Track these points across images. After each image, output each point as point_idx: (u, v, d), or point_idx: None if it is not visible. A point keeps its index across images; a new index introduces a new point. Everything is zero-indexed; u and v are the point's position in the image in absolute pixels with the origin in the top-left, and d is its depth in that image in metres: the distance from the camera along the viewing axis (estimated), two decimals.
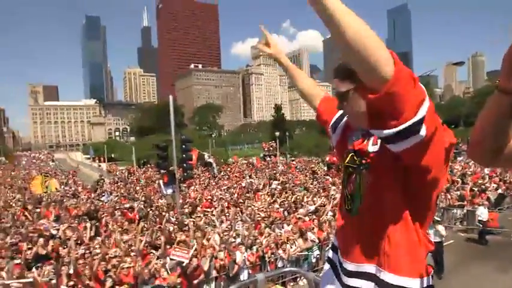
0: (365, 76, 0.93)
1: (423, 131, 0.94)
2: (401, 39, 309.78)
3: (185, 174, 11.75)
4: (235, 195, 15.07)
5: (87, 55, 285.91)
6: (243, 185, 18.92)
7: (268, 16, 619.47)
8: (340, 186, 1.38)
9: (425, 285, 1.16)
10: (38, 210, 13.28)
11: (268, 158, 38.53)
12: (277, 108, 65.35)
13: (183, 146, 11.82)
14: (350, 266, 1.27)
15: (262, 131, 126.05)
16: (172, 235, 8.64)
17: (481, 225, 12.61)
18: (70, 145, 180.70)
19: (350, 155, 1.29)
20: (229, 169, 27.80)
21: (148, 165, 33.54)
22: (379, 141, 1.17)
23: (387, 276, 1.15)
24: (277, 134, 37.33)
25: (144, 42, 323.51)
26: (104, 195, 16.16)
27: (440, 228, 9.34)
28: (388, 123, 0.94)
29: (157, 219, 10.70)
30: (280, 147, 41.61)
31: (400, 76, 0.88)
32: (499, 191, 16.04)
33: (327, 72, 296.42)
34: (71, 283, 6.57)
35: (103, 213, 11.43)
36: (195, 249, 7.75)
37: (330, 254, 1.47)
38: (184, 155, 11.72)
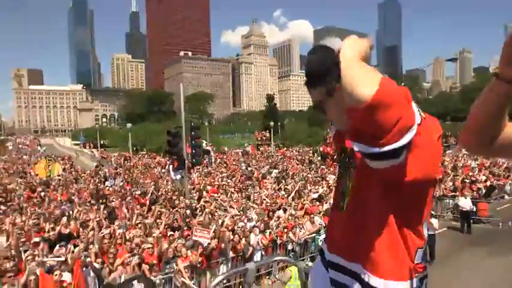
0: (346, 97, 0.93)
1: (402, 156, 0.92)
2: (391, 32, 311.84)
3: (194, 160, 12.08)
4: (238, 182, 15.50)
5: (74, 39, 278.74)
6: (242, 172, 19.40)
7: (259, 4, 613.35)
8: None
9: (414, 285, 1.15)
10: (42, 193, 13.49)
11: (262, 148, 39.01)
12: (269, 98, 65.57)
13: (192, 133, 12.13)
14: (336, 259, 1.29)
15: (252, 120, 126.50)
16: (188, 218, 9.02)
17: (463, 215, 13.10)
18: (55, 130, 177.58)
19: (343, 151, 1.32)
20: (225, 157, 28.16)
21: (144, 152, 33.61)
22: None
23: (371, 279, 1.15)
24: (271, 123, 37.71)
25: (132, 28, 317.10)
26: (107, 180, 16.38)
27: (434, 221, 9.96)
28: (368, 141, 0.92)
29: (168, 204, 11.06)
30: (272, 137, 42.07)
31: (380, 98, 0.85)
32: (488, 183, 16.87)
33: None
34: (99, 260, 6.92)
35: (113, 198, 11.71)
36: (214, 231, 8.17)
37: (323, 245, 1.46)
38: (193, 142, 12.04)
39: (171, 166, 12.26)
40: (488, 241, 11.63)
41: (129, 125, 28.83)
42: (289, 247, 9.37)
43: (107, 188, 14.47)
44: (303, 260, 9.64)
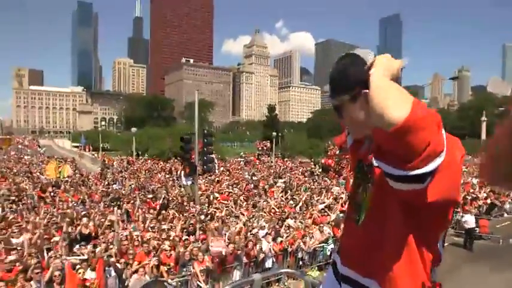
0: (374, 117, 0.92)
1: (427, 182, 0.91)
2: (392, 48, 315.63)
3: (205, 167, 12.33)
4: (244, 190, 15.74)
5: (77, 42, 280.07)
6: (246, 181, 19.66)
7: (262, 15, 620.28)
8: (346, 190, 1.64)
9: None
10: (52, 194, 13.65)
11: (263, 158, 39.29)
12: (271, 109, 66.08)
13: (205, 140, 12.39)
14: (350, 273, 1.27)
15: (250, 130, 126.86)
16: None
17: (467, 232, 13.40)
18: (54, 132, 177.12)
19: (359, 164, 1.29)
20: (228, 165, 28.41)
21: (146, 157, 33.79)
22: None
23: None
24: (274, 134, 38.06)
25: (135, 33, 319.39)
26: (115, 183, 16.57)
27: None
28: (394, 162, 0.92)
29: (179, 208, 11.29)
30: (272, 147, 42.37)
31: (411, 122, 0.84)
32: (489, 200, 17.20)
33: (317, 76, 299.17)
34: (122, 261, 7.14)
35: (125, 201, 11.93)
36: (228, 238, 8.42)
37: (335, 257, 1.44)
38: (205, 149, 12.29)
39: (182, 172, 12.51)
40: (489, 257, 11.88)
41: (133, 129, 28.95)
42: (299, 255, 9.61)
43: (116, 191, 14.66)
44: (311, 268, 9.91)
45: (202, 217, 9.63)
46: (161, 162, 29.54)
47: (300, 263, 9.69)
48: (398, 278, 1.11)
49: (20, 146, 65.51)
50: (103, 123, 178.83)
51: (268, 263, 9.03)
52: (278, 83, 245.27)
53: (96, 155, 43.79)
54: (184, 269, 7.68)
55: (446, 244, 13.07)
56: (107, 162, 32.57)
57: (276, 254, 9.17)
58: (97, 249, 7.29)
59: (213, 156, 25.81)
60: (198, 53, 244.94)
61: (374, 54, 1.15)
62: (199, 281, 7.63)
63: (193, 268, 7.70)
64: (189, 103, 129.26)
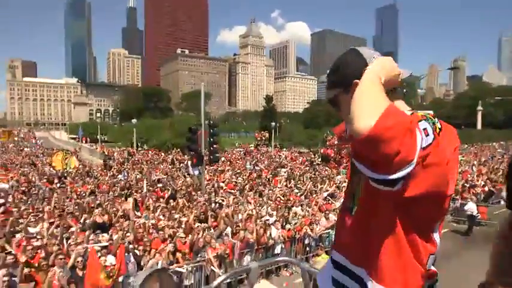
0: (348, 122, 0.95)
1: (398, 186, 0.93)
2: (388, 38, 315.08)
3: (211, 157, 12.56)
4: (247, 180, 16.01)
5: (70, 32, 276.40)
6: (248, 170, 19.94)
7: (257, 4, 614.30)
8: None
9: None
10: (58, 184, 13.83)
11: (262, 148, 39.57)
12: (268, 99, 66.16)
13: (211, 131, 12.60)
14: (341, 259, 1.28)
15: (247, 120, 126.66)
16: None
17: (470, 219, 13.86)
18: (49, 124, 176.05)
19: None
20: (229, 155, 28.65)
21: (146, 148, 33.91)
22: None
23: (375, 287, 1.14)
24: (272, 124, 38.26)
25: (129, 23, 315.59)
26: (120, 174, 16.77)
27: None
28: (365, 164, 0.94)
29: (187, 198, 11.55)
30: (270, 137, 42.59)
31: (376, 133, 0.85)
32: (486, 188, 17.62)
33: (313, 66, 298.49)
34: (140, 248, 7.40)
35: (134, 191, 12.17)
36: (239, 224, 8.69)
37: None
38: (211, 139, 12.51)
39: (189, 162, 12.73)
40: (486, 242, 12.26)
41: (134, 120, 28.98)
42: (306, 241, 9.92)
43: (121, 181, 14.87)
44: (317, 255, 10.23)
45: (213, 205, 9.87)
46: (162, 153, 29.65)
47: (307, 249, 10.02)
48: (386, 268, 1.11)
49: (15, 139, 65.33)
50: (98, 114, 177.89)
51: (277, 249, 9.33)
52: (274, 73, 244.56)
53: (94, 146, 43.78)
54: (199, 256, 7.96)
55: (445, 230, 13.53)
56: (106, 153, 32.66)
57: (285, 241, 9.48)
58: (114, 237, 7.54)
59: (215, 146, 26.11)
60: (194, 43, 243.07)
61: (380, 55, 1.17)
62: (213, 266, 7.91)
63: (207, 254, 7.98)
64: (185, 94, 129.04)
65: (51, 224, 8.19)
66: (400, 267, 1.10)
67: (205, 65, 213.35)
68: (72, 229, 7.86)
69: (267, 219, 9.47)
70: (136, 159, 25.35)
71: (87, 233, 7.29)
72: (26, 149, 37.81)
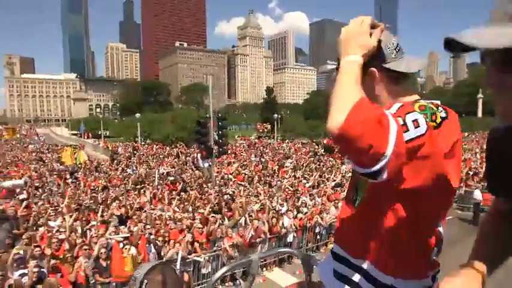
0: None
1: (380, 178, 0.91)
2: (388, 26, 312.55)
3: (220, 150, 12.77)
4: (254, 172, 16.27)
5: (67, 27, 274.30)
6: (254, 162, 20.19)
7: None
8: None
9: (427, 283, 1.15)
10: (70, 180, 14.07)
11: (264, 140, 39.80)
12: (269, 91, 66.15)
13: (219, 124, 12.80)
14: (342, 253, 1.27)
15: (247, 112, 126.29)
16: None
17: (476, 206, 14.07)
18: (48, 120, 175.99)
19: None
20: (234, 148, 28.88)
21: (149, 142, 34.12)
22: None
23: (380, 276, 1.13)
24: (275, 116, 38.39)
25: (126, 17, 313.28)
26: (129, 169, 17.00)
27: None
28: (349, 158, 0.95)
29: (199, 190, 11.81)
30: (272, 129, 42.76)
31: (345, 130, 0.86)
32: None
33: (312, 57, 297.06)
34: (160, 239, 7.67)
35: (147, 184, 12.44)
36: (251, 215, 8.95)
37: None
38: (220, 132, 12.71)
39: (199, 155, 12.96)
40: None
41: (137, 115, 29.15)
42: (317, 230, 10.20)
43: (131, 175, 15.12)
44: (326, 243, 10.52)
45: (225, 197, 10.14)
46: (166, 147, 29.85)
47: (318, 237, 10.30)
48: (391, 259, 1.11)
49: (18, 136, 65.50)
50: (98, 109, 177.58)
51: (290, 238, 9.62)
52: (273, 65, 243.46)
53: (97, 142, 43.98)
54: (215, 245, 8.24)
55: (450, 217, 13.80)
56: (110, 148, 32.89)
57: (297, 230, 9.75)
58: (135, 229, 7.80)
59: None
60: (192, 36, 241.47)
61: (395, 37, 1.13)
62: (230, 254, 8.19)
63: (223, 244, 8.26)
64: (185, 87, 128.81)
65: (69, 217, 8.44)
66: (405, 258, 1.10)
67: (204, 58, 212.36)
68: (93, 222, 8.12)
69: (279, 209, 9.74)
70: (142, 153, 25.56)
71: (112, 224, 7.54)
72: (30, 145, 38.03)
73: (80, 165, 17.31)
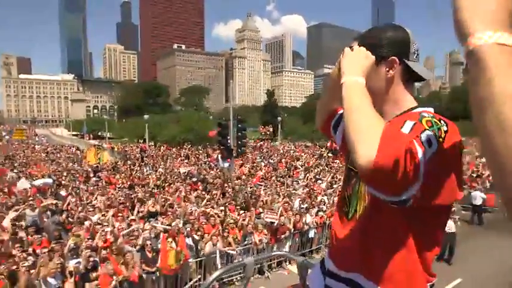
0: (348, 146, 0.93)
1: (409, 204, 0.91)
2: None
3: (239, 150, 13.36)
4: (266, 173, 16.86)
5: (65, 28, 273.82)
6: (262, 164, 20.79)
7: None
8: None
9: None
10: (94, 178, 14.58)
11: (266, 142, 40.40)
12: (270, 94, 66.86)
13: (239, 126, 13.38)
14: (335, 270, 1.24)
15: (245, 115, 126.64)
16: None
17: (475, 206, 14.49)
18: (45, 121, 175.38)
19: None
20: None
21: (159, 144, 34.58)
22: None
23: None
24: (279, 119, 39.01)
25: (124, 18, 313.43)
26: (145, 168, 17.51)
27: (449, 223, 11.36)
28: (375, 189, 0.93)
29: (221, 189, 12.39)
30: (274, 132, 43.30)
31: (380, 165, 0.84)
32: (491, 177, 18.58)
33: (309, 60, 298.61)
34: (199, 233, 8.23)
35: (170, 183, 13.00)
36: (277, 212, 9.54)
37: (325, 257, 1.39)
38: (239, 134, 13.31)
39: (219, 155, 13.54)
40: (496, 226, 13.16)
41: (146, 116, 29.66)
42: None
43: (147, 175, 15.63)
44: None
45: (251, 195, 10.75)
46: (173, 149, 30.28)
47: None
48: (390, 272, 1.08)
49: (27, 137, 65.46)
50: (95, 111, 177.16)
51: (311, 234, 10.21)
52: (271, 68, 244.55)
53: (101, 142, 44.30)
54: (246, 239, 8.80)
55: (456, 217, 14.42)
56: (116, 149, 33.24)
57: (317, 226, 10.34)
58: (173, 224, 8.36)
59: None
60: (189, 38, 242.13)
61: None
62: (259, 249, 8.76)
63: (253, 238, 8.82)
64: (184, 89, 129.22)
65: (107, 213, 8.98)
66: (406, 271, 1.07)
67: (202, 60, 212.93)
68: (132, 217, 8.65)
69: (302, 207, 10.34)
70: (152, 154, 26.04)
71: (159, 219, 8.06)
72: (37, 146, 38.33)
73: (103, 165, 17.80)
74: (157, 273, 7.33)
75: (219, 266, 7.59)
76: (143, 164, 20.10)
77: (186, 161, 22.82)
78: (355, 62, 1.05)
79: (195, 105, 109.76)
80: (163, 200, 10.13)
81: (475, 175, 17.84)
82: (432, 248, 1.10)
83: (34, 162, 21.10)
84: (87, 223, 8.18)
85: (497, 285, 8.19)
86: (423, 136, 0.91)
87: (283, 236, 9.32)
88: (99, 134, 71.09)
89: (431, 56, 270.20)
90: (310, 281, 1.46)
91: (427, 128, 0.93)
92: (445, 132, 0.94)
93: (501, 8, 0.51)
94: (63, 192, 10.75)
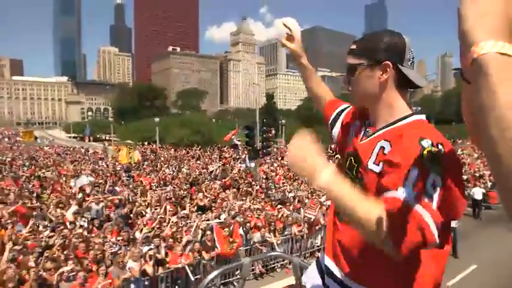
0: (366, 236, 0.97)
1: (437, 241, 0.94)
2: None
3: (264, 151, 14.35)
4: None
5: (59, 30, 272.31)
6: (275, 165, 21.75)
7: (245, 1, 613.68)
8: None
9: None
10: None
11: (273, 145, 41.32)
12: (269, 97, 67.83)
13: (264, 128, 14.38)
14: (331, 265, 1.25)
15: (240, 118, 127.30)
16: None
17: (475, 202, 15.48)
18: (40, 123, 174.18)
19: (349, 159, 1.22)
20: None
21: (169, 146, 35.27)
22: (381, 163, 1.06)
23: None
24: (283, 121, 40.00)
25: (117, 21, 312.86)
26: (168, 169, 18.33)
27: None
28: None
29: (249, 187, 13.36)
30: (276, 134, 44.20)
31: (402, 250, 0.90)
32: (491, 177, 19.82)
33: None
34: (248, 224, 9.18)
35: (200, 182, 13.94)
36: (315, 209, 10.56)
37: (320, 254, 1.40)
38: (264, 135, 14.30)
39: (247, 155, 14.52)
40: (498, 222, 14.19)
41: (156, 119, 30.43)
42: None
43: (169, 174, 16.51)
44: None
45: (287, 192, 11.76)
46: (182, 150, 30.95)
47: None
48: (389, 282, 1.09)
49: (18, 139, 65.47)
50: (89, 113, 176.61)
51: None
52: (266, 71, 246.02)
53: (106, 144, 44.82)
54: (287, 230, 9.78)
55: None
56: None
57: None
58: (221, 216, 9.30)
59: (237, 142, 27.73)
60: (184, 41, 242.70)
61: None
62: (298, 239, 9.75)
63: (292, 230, 9.80)
64: (180, 92, 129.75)
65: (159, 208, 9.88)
66: (406, 282, 1.07)
67: (196, 63, 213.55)
68: (184, 211, 9.56)
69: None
70: (165, 155, 26.82)
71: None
72: (45, 148, 38.74)
73: (134, 165, 18.57)
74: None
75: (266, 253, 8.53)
76: (167, 164, 20.88)
77: (198, 162, 23.65)
78: (308, 158, 1.00)
79: (192, 108, 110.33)
80: (209, 195, 11.11)
81: (477, 175, 19.04)
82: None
83: (57, 163, 21.80)
84: (148, 215, 9.05)
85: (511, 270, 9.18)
86: (428, 187, 0.91)
87: (317, 227, 10.30)
88: (98, 136, 71.33)
89: (422, 59, 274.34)
90: (307, 279, 1.44)
91: (430, 169, 0.92)
92: (445, 163, 0.94)
93: (504, 18, 0.55)
94: (117, 188, 11.59)
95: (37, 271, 6.02)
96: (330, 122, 1.47)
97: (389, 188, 0.95)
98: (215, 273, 1.82)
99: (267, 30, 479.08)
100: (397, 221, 0.90)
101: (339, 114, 1.45)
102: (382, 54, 1.09)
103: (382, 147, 1.09)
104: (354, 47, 1.17)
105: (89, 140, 59.04)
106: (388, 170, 1.00)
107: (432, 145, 0.95)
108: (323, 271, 1.31)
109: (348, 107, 1.45)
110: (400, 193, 0.93)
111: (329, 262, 1.26)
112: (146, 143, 40.24)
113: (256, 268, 8.66)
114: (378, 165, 1.08)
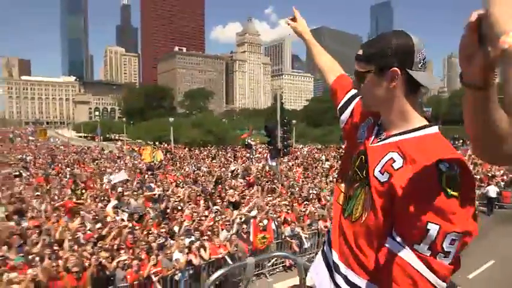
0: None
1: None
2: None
3: (285, 150, 14.88)
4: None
5: (67, 30, 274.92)
6: (290, 164, 22.25)
7: (250, 1, 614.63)
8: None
9: None
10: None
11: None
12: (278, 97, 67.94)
13: (285, 128, 14.90)
14: (337, 260, 1.24)
15: (246, 118, 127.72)
16: None
17: (489, 200, 16.00)
18: (48, 122, 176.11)
19: (360, 157, 1.20)
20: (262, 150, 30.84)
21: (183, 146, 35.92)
22: (386, 173, 1.06)
23: None
24: (293, 122, 40.23)
25: (123, 21, 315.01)
26: (188, 167, 18.92)
27: None
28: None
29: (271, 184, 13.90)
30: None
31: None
32: (504, 176, 20.19)
33: (308, 63, 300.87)
34: (279, 220, 9.71)
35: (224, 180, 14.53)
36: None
37: (325, 247, 1.37)
38: (285, 135, 14.83)
39: (269, 155, 15.07)
40: (510, 221, 14.59)
41: (171, 119, 30.99)
42: None
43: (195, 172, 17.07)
44: None
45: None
46: (195, 150, 31.50)
47: None
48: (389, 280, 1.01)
49: (31, 138, 66.41)
50: (96, 113, 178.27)
51: None
52: (271, 71, 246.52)
53: (120, 144, 45.54)
54: (313, 225, 10.28)
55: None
56: (137, 150, 34.44)
57: None
58: (252, 212, 9.83)
59: (252, 142, 28.30)
60: (190, 41, 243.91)
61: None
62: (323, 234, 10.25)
63: (319, 225, 10.30)
64: (188, 92, 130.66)
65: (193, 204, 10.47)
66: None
67: (202, 63, 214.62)
68: (216, 207, 10.12)
69: None
70: (182, 155, 27.43)
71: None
72: (61, 147, 39.49)
73: (158, 163, 19.19)
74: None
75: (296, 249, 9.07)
76: (187, 163, 21.47)
77: (214, 161, 24.21)
78: None
79: (199, 108, 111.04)
80: (239, 192, 11.69)
81: (489, 174, 19.46)
82: None
83: (77, 162, 22.52)
84: (187, 211, 9.59)
85: None
86: (445, 243, 0.92)
87: None
88: (107, 135, 72.26)
89: (429, 60, 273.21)
90: (314, 273, 1.41)
91: (451, 223, 0.91)
92: (461, 186, 0.92)
93: None
94: (152, 185, 12.17)
95: (97, 258, 6.59)
96: (339, 107, 1.46)
97: (404, 239, 0.98)
98: (219, 273, 1.79)
99: (272, 31, 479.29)
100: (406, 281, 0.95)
101: (350, 100, 1.43)
102: (390, 60, 1.04)
103: (392, 159, 1.06)
104: (360, 52, 1.14)
105: (99, 140, 59.90)
106: (402, 204, 0.99)
107: (449, 169, 0.93)
108: (330, 265, 1.29)
109: None
110: (411, 253, 0.96)
111: (336, 258, 1.24)
112: (157, 143, 41.00)
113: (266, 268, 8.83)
114: (383, 174, 1.07)
